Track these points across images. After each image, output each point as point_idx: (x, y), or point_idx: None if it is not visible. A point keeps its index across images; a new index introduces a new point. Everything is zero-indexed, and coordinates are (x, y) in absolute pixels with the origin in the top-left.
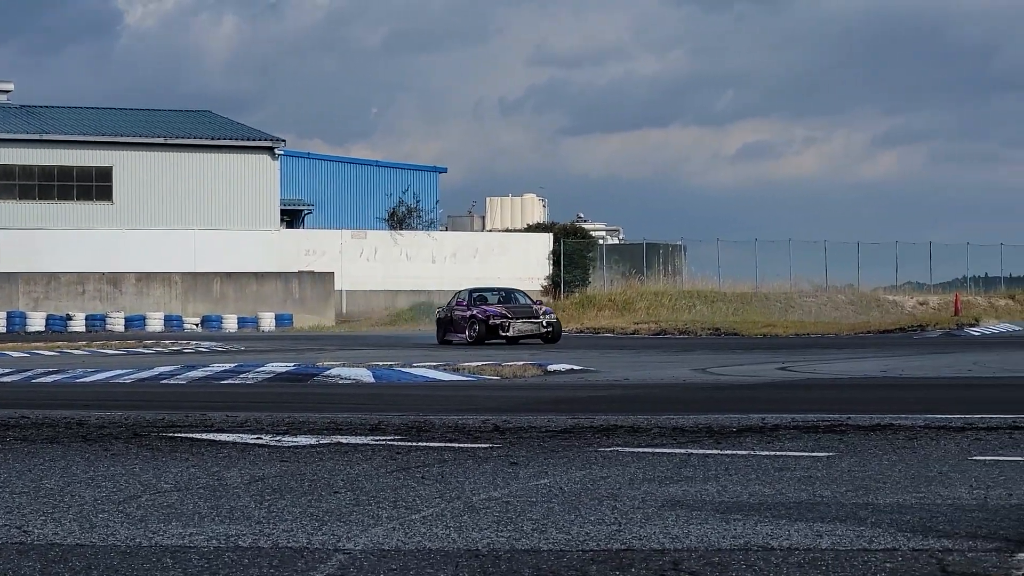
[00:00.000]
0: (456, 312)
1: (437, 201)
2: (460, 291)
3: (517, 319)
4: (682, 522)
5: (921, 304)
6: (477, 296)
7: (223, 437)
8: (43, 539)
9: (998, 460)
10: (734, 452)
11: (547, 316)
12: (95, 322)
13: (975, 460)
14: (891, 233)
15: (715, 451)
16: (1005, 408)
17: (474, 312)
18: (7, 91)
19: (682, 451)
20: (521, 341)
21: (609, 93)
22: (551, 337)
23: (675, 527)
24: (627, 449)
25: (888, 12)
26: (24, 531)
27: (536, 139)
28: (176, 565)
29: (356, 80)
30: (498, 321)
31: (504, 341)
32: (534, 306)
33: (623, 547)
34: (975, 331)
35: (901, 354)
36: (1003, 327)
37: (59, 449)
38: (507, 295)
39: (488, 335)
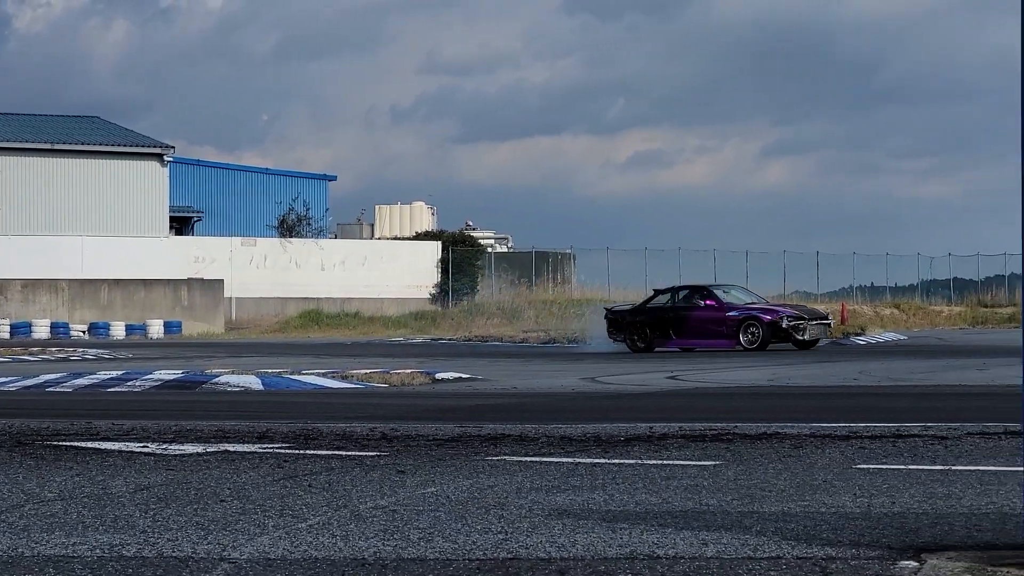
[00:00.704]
0: (698, 312)
1: (327, 209)
2: (675, 288)
3: (812, 320)
4: (569, 531)
5: None
6: (715, 293)
7: (109, 445)
8: None
9: (882, 468)
10: (621, 461)
11: (829, 317)
12: None
13: (859, 468)
14: (779, 242)
15: (602, 460)
16: (889, 417)
17: (748, 313)
18: None
19: (569, 460)
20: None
21: (500, 101)
22: (811, 342)
23: (562, 536)
24: (514, 458)
25: (777, 24)
26: None
27: (427, 147)
28: (59, 575)
29: (247, 87)
30: (793, 323)
31: (771, 346)
32: (807, 304)
33: (510, 556)
34: (861, 340)
35: (788, 362)
36: (888, 336)
37: None
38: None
39: (772, 339)
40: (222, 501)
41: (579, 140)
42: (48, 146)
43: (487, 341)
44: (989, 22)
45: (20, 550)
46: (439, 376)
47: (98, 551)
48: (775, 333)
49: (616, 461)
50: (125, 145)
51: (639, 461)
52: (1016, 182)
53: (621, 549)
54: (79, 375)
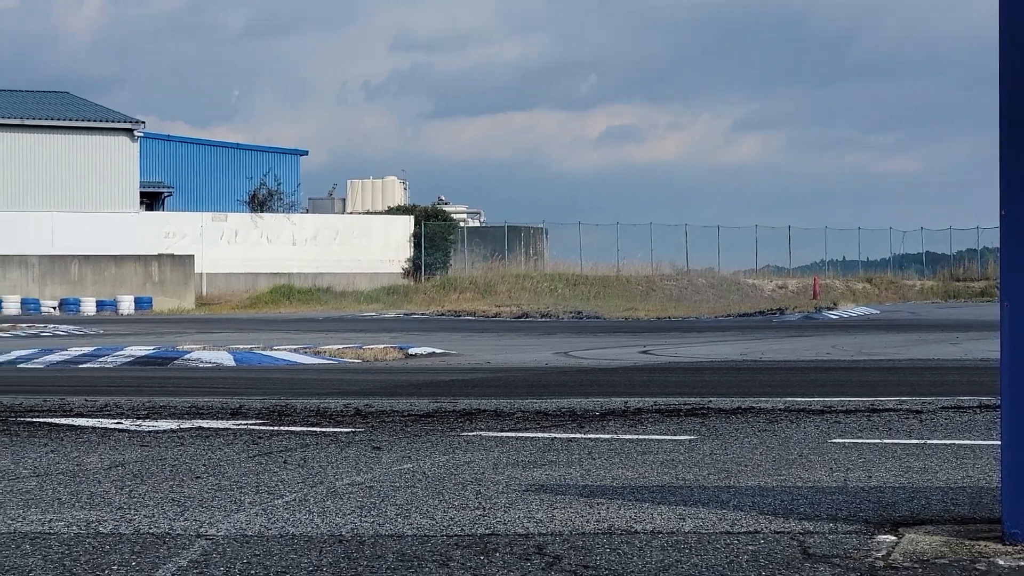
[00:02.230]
0: None
1: (298, 184)
2: None
3: None
4: (546, 506)
5: (780, 288)
6: None
7: (83, 422)
8: None
9: (857, 443)
10: (597, 436)
11: None
12: None
13: (835, 443)
14: (751, 217)
15: (578, 435)
16: (863, 391)
17: None
18: None
19: (545, 435)
20: None
21: (472, 77)
22: None
23: (539, 511)
24: (490, 433)
25: (748, 0)
26: None
27: (399, 123)
28: (36, 552)
29: (219, 63)
30: None
31: None
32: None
33: (487, 532)
34: (833, 314)
35: (761, 337)
36: (860, 310)
37: None
38: None
39: None
40: (198, 478)
41: (551, 116)
42: (18, 121)
43: (460, 316)
44: None
45: None
46: (412, 351)
47: (74, 528)
48: None
49: (592, 436)
50: (95, 120)
51: (615, 436)
52: (992, 156)
53: (599, 524)
54: (51, 351)
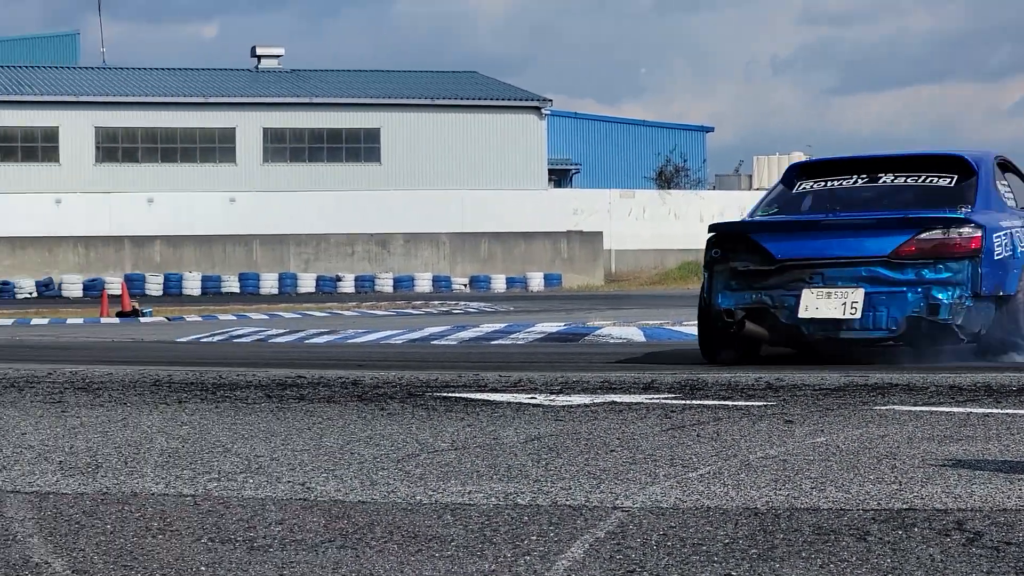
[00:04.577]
0: None
1: (704, 160)
2: None
3: None
4: (964, 482)
5: None
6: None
7: (497, 397)
8: (326, 495)
9: None
10: (1015, 411)
11: None
12: (364, 283)
13: None
14: None
15: (995, 410)
16: None
17: None
18: (278, 56)
19: (960, 410)
20: None
21: (881, 50)
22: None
23: (957, 486)
24: (904, 408)
25: None
26: (307, 488)
27: (805, 97)
28: (457, 522)
29: (627, 40)
30: None
31: None
32: None
33: (905, 506)
34: None
35: None
36: None
37: (336, 408)
38: None
39: None
40: (611, 451)
41: (963, 87)
42: (428, 101)
43: None
44: None
45: (418, 498)
46: None
47: (492, 499)
48: None
49: (1010, 411)
50: (502, 99)
51: None
52: None
53: (1021, 500)
54: (463, 328)
